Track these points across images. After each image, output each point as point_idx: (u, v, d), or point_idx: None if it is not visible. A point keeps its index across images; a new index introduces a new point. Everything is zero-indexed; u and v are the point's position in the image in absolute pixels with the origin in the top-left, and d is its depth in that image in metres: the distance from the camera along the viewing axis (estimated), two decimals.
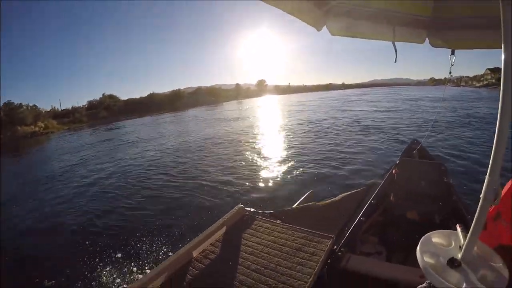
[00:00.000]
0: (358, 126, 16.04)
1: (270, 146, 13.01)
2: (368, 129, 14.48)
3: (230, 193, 7.17)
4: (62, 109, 69.22)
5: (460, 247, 1.46)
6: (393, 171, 3.92)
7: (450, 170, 4.23)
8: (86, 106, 71.19)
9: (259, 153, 11.47)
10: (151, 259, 4.45)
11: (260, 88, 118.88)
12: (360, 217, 3.05)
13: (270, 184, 7.61)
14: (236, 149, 12.85)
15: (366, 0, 1.84)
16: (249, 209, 3.17)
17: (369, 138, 12.32)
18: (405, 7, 1.85)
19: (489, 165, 1.28)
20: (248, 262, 2.28)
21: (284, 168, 8.96)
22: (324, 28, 1.83)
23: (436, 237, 1.62)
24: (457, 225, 1.60)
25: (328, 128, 16.43)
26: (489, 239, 1.61)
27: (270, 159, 10.34)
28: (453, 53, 2.03)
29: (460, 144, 10.33)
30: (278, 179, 7.97)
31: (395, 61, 1.91)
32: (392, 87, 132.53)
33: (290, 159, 9.87)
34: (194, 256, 2.44)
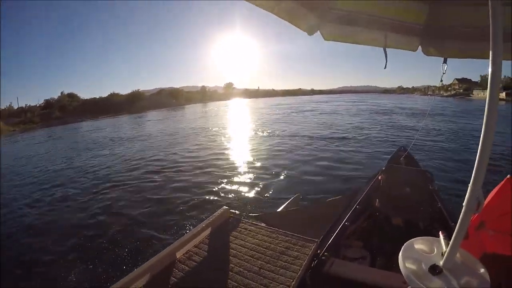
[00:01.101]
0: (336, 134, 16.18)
1: (245, 149, 13.18)
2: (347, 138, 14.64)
3: (214, 196, 7.11)
4: (17, 107, 65.33)
5: (442, 254, 1.46)
6: (379, 177, 3.94)
7: (436, 177, 4.28)
8: (42, 105, 66.29)
9: (233, 154, 11.70)
10: (133, 261, 4.36)
11: (228, 91, 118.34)
12: (345, 222, 3.05)
13: (255, 187, 7.56)
14: (205, 150, 13.13)
15: (361, 7, 1.84)
16: (234, 211, 3.15)
17: (353, 145, 12.52)
18: (399, 14, 1.85)
19: (473, 175, 1.29)
20: (231, 265, 2.27)
21: (264, 173, 8.97)
22: (305, 32, 1.82)
23: (419, 244, 1.62)
24: (440, 232, 1.61)
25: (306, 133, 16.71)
26: (471, 248, 1.62)
27: (248, 163, 10.36)
28: (445, 61, 2.04)
29: (445, 151, 10.60)
30: (263, 183, 7.92)
31: (385, 67, 1.90)
32: (360, 94, 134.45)
33: (269, 165, 9.88)
34: (177, 257, 2.41)
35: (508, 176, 1.77)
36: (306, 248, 2.39)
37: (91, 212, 6.82)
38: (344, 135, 15.29)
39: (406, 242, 1.63)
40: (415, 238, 1.65)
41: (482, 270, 1.42)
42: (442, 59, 2.05)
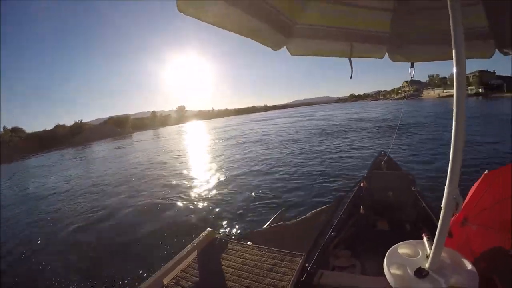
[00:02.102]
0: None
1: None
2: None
3: (197, 220, 7.00)
4: None
5: (427, 256, 1.46)
6: (361, 184, 3.98)
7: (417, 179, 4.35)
8: None
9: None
10: None
11: (180, 115, 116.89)
12: (331, 232, 3.05)
13: (239, 207, 7.53)
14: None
15: (326, 20, 1.87)
16: (218, 232, 3.09)
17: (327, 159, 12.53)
18: (363, 24, 1.90)
19: (448, 175, 1.30)
20: (219, 286, 2.20)
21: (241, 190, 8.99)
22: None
23: (403, 248, 1.62)
24: (423, 234, 1.60)
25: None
26: (457, 245, 1.64)
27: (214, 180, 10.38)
28: (412, 66, 2.09)
29: (424, 153, 10.92)
30: (245, 201, 7.93)
31: (351, 78, 1.94)
32: (314, 105, 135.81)
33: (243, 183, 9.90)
34: (165, 283, 2.32)
35: (486, 171, 1.81)
36: (293, 263, 2.35)
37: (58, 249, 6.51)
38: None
39: (390, 248, 1.62)
40: (398, 243, 1.65)
41: (470, 267, 1.42)
42: (407, 63, 2.10)
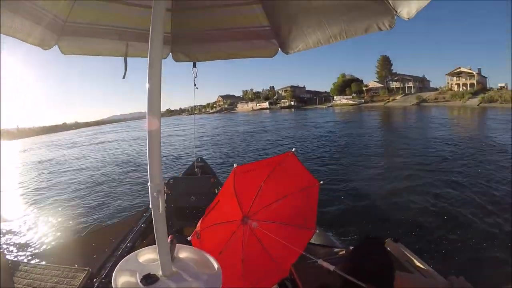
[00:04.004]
0: None
1: None
2: None
3: None
4: None
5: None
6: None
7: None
8: None
9: None
10: None
11: None
12: (127, 243, 2.94)
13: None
14: None
15: (98, 18, 1.78)
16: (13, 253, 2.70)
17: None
18: (138, 24, 1.85)
19: (148, 173, 1.26)
20: None
21: None
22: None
23: (148, 253, 1.50)
24: (169, 236, 1.41)
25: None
26: (212, 245, 1.84)
27: None
28: (194, 65, 2.17)
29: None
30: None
31: (124, 77, 1.84)
32: (129, 121, 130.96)
33: None
34: None
35: (235, 165, 1.97)
36: (75, 279, 2.28)
37: None
38: None
39: (130, 254, 1.50)
40: (145, 248, 1.53)
41: (216, 267, 1.40)
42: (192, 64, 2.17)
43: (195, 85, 2.29)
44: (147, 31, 1.62)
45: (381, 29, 1.47)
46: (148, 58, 1.23)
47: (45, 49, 1.65)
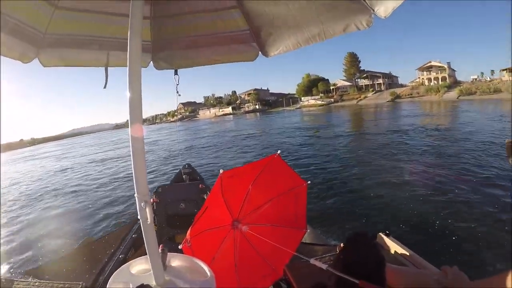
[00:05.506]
0: None
1: None
2: None
3: None
4: None
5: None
6: (151, 200, 3.92)
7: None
8: None
9: None
10: None
11: None
12: (119, 255, 2.91)
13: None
14: None
15: (78, 28, 1.75)
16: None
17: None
18: (118, 33, 1.82)
19: (134, 183, 1.25)
20: None
21: None
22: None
23: (141, 264, 1.50)
24: (160, 246, 1.42)
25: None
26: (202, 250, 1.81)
27: None
28: (176, 73, 2.14)
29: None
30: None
31: (105, 87, 1.82)
32: (91, 134, 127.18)
33: None
34: None
35: (221, 170, 1.96)
36: None
37: None
38: None
39: (123, 265, 1.50)
40: (135, 259, 1.53)
41: (209, 275, 1.39)
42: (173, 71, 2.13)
43: (177, 92, 2.24)
44: (127, 40, 1.60)
45: (359, 28, 1.50)
46: (128, 67, 1.23)
47: (25, 63, 1.61)
